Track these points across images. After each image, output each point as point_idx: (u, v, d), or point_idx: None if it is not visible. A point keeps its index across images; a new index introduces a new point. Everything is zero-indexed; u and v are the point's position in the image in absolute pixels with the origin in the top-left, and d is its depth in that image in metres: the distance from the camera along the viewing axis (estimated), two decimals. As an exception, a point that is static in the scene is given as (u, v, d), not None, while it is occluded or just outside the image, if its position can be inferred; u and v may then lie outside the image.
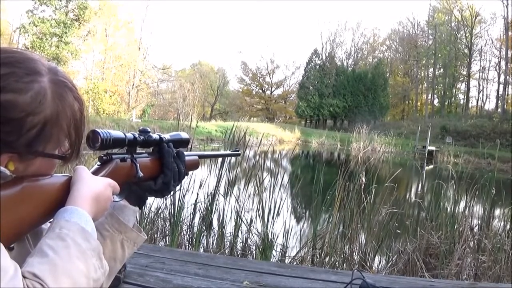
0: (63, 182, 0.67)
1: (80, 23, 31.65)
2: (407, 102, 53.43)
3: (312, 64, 46.78)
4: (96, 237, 0.64)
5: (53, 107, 0.63)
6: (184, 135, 0.93)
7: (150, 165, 0.84)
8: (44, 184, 0.64)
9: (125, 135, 0.78)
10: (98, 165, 0.77)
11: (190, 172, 1.00)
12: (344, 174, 3.81)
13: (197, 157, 1.00)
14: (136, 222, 0.86)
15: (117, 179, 0.74)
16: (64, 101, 0.65)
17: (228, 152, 1.30)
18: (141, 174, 0.79)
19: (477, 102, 47.71)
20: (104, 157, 0.77)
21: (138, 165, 0.80)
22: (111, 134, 0.73)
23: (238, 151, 1.26)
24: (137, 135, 0.81)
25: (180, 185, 0.90)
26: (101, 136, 0.71)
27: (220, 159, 4.16)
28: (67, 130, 0.66)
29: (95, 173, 0.74)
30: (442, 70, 49.27)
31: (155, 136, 0.85)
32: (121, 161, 0.78)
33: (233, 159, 4.45)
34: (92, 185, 0.67)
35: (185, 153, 0.91)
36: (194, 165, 0.98)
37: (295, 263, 3.49)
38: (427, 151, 24.31)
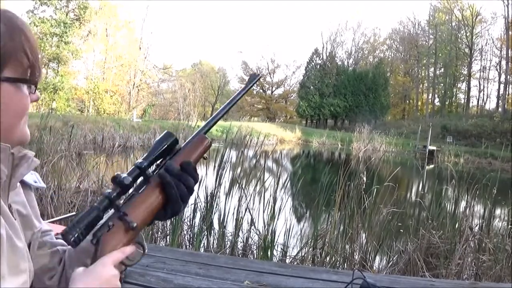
0: None
1: (81, 23, 31.66)
2: (407, 101, 53.36)
3: (313, 63, 46.72)
4: None
5: (3, 29, 0.62)
6: (167, 137, 0.74)
7: (149, 200, 0.69)
8: None
9: (95, 208, 0.66)
10: (92, 243, 0.67)
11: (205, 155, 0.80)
12: (345, 173, 3.81)
13: (203, 136, 0.77)
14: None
15: (117, 245, 0.66)
16: (12, 22, 0.64)
17: (245, 87, 0.87)
18: (134, 224, 0.67)
19: (478, 102, 47.66)
20: (92, 241, 0.66)
21: (130, 221, 0.67)
22: (79, 224, 0.64)
23: (259, 74, 0.92)
24: (110, 192, 0.68)
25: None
26: (72, 233, 0.63)
27: (220, 157, 4.15)
28: (22, 48, 0.64)
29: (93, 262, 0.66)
30: (442, 69, 49.19)
31: (135, 173, 0.69)
32: (108, 231, 0.66)
33: (233, 159, 4.45)
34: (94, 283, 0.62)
35: (187, 143, 0.76)
36: (205, 149, 0.77)
37: (296, 262, 3.49)
38: (427, 150, 24.25)
